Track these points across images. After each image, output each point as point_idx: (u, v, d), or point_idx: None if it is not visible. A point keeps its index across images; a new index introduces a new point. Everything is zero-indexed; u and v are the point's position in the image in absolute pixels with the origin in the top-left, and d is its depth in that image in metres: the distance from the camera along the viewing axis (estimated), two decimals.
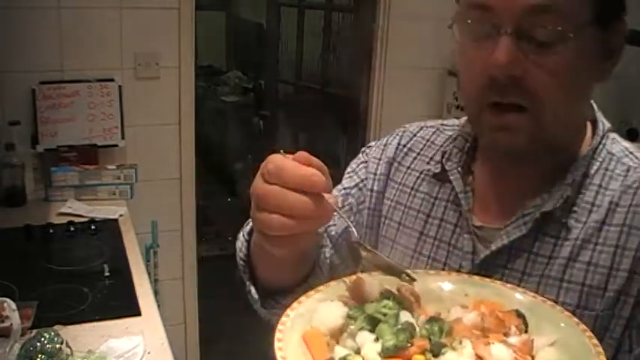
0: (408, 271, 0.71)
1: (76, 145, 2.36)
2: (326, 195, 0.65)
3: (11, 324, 1.35)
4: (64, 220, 2.13)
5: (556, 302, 0.72)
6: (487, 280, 0.73)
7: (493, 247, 0.80)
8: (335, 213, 0.68)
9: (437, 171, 0.90)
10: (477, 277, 0.74)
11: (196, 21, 2.54)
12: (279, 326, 0.64)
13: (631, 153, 0.82)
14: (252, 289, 0.87)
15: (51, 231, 2.05)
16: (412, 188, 0.92)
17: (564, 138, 0.79)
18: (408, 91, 2.92)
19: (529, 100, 0.72)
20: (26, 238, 2.01)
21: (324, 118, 3.56)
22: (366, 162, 0.99)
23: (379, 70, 2.88)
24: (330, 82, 3.42)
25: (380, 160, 0.97)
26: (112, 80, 2.41)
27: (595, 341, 0.61)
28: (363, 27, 2.91)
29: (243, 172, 5.16)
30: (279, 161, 0.65)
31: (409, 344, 0.61)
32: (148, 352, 1.43)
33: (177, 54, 2.51)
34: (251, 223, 0.91)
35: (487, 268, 0.80)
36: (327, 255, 0.92)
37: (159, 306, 1.69)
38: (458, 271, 0.82)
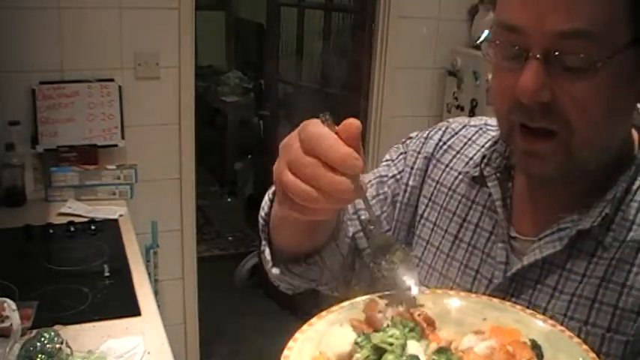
0: (416, 293, 0.70)
1: (76, 145, 2.36)
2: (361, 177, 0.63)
3: (11, 324, 1.35)
4: (64, 220, 2.13)
5: (586, 323, 0.72)
6: (507, 304, 0.72)
7: (525, 262, 0.78)
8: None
9: (475, 174, 0.87)
10: (496, 300, 0.73)
11: (196, 21, 2.54)
12: (286, 352, 0.63)
13: None
14: (267, 250, 0.86)
15: (51, 231, 2.05)
16: (449, 188, 0.90)
17: (600, 160, 0.74)
18: (408, 91, 2.92)
19: (558, 125, 0.69)
20: (26, 238, 2.01)
21: None
22: (405, 153, 0.96)
23: (379, 70, 2.88)
24: (330, 82, 3.41)
25: (419, 153, 0.94)
26: (112, 80, 2.41)
27: None
28: (363, 27, 2.91)
29: (243, 172, 5.16)
30: (320, 131, 0.62)
31: None
32: (148, 352, 1.43)
33: (177, 54, 2.51)
34: None
35: (519, 280, 0.78)
36: (350, 233, 0.89)
37: (159, 306, 1.69)
38: (490, 281, 0.81)
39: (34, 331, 1.35)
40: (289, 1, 3.50)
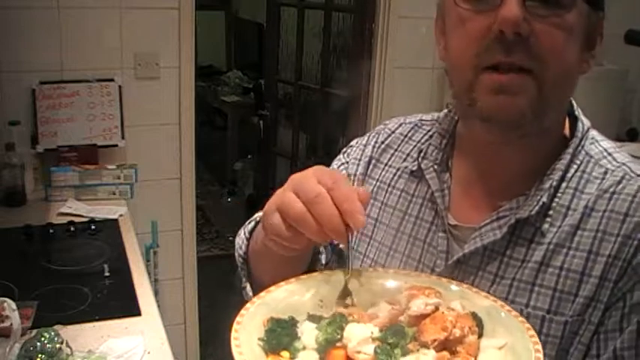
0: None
1: (76, 145, 2.36)
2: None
3: (11, 324, 1.35)
4: (64, 220, 2.13)
5: (527, 306, 0.75)
6: (453, 282, 0.74)
7: (466, 249, 0.80)
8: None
9: (414, 169, 0.90)
10: (444, 280, 0.75)
11: (196, 21, 2.54)
12: (242, 311, 0.68)
13: (609, 154, 0.81)
14: (248, 287, 0.89)
15: (51, 231, 2.05)
16: (389, 185, 0.92)
17: (554, 117, 0.77)
18: (408, 91, 2.92)
19: (533, 61, 0.71)
20: (26, 238, 2.01)
21: (324, 118, 3.56)
22: (347, 163, 0.99)
23: (379, 70, 2.88)
24: (330, 82, 3.41)
25: (360, 160, 0.97)
26: (112, 80, 2.41)
27: (538, 347, 0.62)
28: (363, 27, 2.91)
29: (243, 172, 5.17)
30: (344, 180, 0.68)
31: (338, 335, 0.64)
32: (148, 352, 1.43)
33: (178, 54, 2.51)
34: (253, 222, 0.93)
35: (461, 268, 0.81)
36: (324, 262, 0.92)
37: (159, 306, 1.69)
38: (432, 270, 0.83)
39: (34, 331, 1.35)
40: (289, 1, 3.50)
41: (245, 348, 0.63)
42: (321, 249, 0.91)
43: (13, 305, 1.39)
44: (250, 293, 0.88)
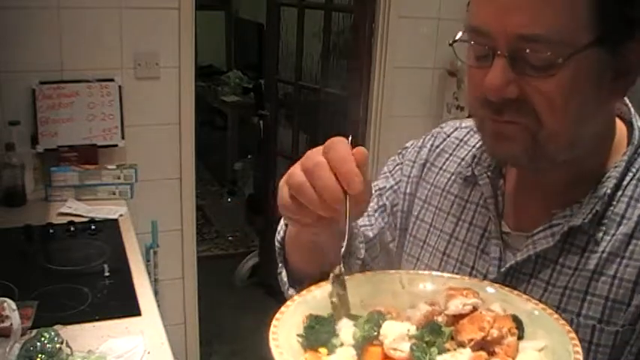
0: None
1: (76, 145, 2.36)
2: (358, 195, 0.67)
3: (11, 324, 1.35)
4: (64, 220, 2.13)
5: (578, 315, 0.75)
6: (496, 285, 0.74)
7: (519, 257, 0.80)
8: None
9: (468, 174, 0.90)
10: (486, 282, 0.75)
11: (196, 21, 2.54)
12: (282, 308, 0.68)
13: None
14: (284, 272, 0.89)
15: (51, 231, 2.05)
16: (443, 190, 0.93)
17: (574, 153, 0.76)
18: (407, 91, 2.92)
19: (526, 118, 0.71)
20: (26, 238, 2.01)
21: (324, 118, 3.56)
22: (402, 164, 0.99)
23: (379, 70, 2.88)
24: (330, 82, 3.41)
25: (414, 162, 0.98)
26: (112, 80, 2.41)
27: (578, 349, 0.61)
28: (363, 27, 2.91)
29: (243, 172, 5.16)
30: (342, 145, 0.68)
31: (375, 332, 0.64)
32: (148, 352, 1.43)
33: (177, 54, 2.51)
34: None
35: (513, 275, 0.81)
36: (362, 255, 0.91)
37: (159, 306, 1.69)
38: (485, 276, 0.83)
39: (34, 331, 1.35)
40: (289, 1, 3.50)
41: (283, 344, 0.63)
42: (357, 243, 0.91)
43: (13, 305, 1.39)
44: (285, 279, 0.88)
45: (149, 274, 2.11)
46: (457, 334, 0.65)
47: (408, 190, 0.97)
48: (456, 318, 0.67)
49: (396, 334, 0.64)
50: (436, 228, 0.92)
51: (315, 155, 0.68)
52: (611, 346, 0.74)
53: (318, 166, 0.67)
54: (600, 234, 0.76)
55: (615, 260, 0.75)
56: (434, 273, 0.79)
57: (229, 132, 5.33)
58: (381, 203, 0.98)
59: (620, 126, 0.82)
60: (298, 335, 0.66)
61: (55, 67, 2.34)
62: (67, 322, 1.48)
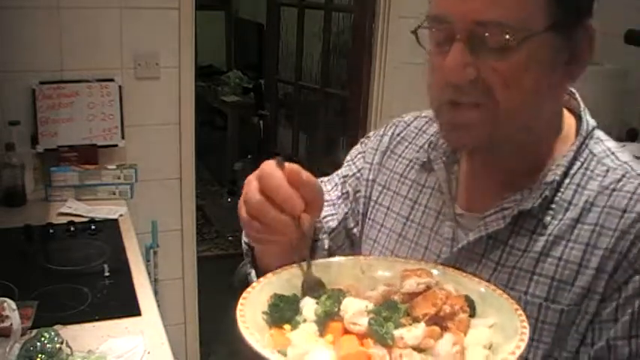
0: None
1: (76, 145, 2.36)
2: (303, 216, 0.73)
3: (11, 324, 1.35)
4: (64, 220, 2.13)
5: (526, 293, 0.79)
6: (449, 268, 0.78)
7: (471, 237, 0.84)
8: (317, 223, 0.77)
9: (424, 160, 0.95)
10: (441, 266, 0.79)
11: (196, 21, 2.54)
12: (249, 289, 0.72)
13: (612, 154, 0.84)
14: (253, 272, 0.92)
15: (51, 231, 2.05)
16: (401, 175, 0.98)
17: (525, 137, 0.80)
18: (408, 90, 2.91)
19: (484, 98, 0.75)
20: (26, 238, 2.01)
21: (324, 118, 3.56)
22: (364, 152, 1.04)
23: (379, 69, 2.88)
24: (330, 82, 3.42)
25: (376, 150, 1.02)
26: (112, 80, 2.41)
27: (525, 324, 0.66)
28: (363, 27, 2.91)
29: (243, 172, 5.16)
30: (271, 172, 0.73)
31: (336, 308, 0.69)
32: (148, 352, 1.43)
33: (178, 54, 2.51)
34: None
35: (465, 255, 0.85)
36: (326, 247, 0.95)
37: (159, 306, 1.69)
38: (438, 256, 0.88)
39: (34, 331, 1.35)
40: (289, 1, 3.50)
41: (250, 321, 0.67)
42: (321, 235, 0.95)
43: (13, 305, 1.39)
44: (255, 279, 0.90)
45: (149, 274, 2.10)
46: (412, 310, 0.70)
47: (370, 177, 1.01)
48: (411, 296, 0.72)
49: (355, 309, 0.68)
50: (393, 211, 0.96)
51: (252, 192, 0.73)
52: (557, 324, 0.78)
53: (258, 204, 0.72)
54: (548, 218, 0.80)
55: (561, 243, 0.79)
56: (390, 258, 0.85)
57: (229, 132, 5.33)
58: (344, 191, 1.02)
59: (570, 119, 0.87)
60: (263, 313, 0.70)
61: (55, 67, 2.34)
62: (67, 322, 1.48)
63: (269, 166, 0.74)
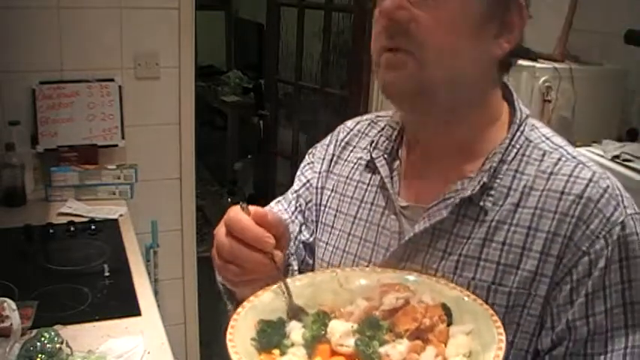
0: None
1: (76, 145, 2.36)
2: (275, 252, 0.75)
3: (11, 324, 1.35)
4: (64, 220, 2.13)
5: (473, 279, 0.82)
6: (424, 276, 0.81)
7: (416, 229, 0.86)
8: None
9: (367, 159, 0.98)
10: (415, 274, 0.81)
11: (196, 21, 2.54)
12: (234, 315, 0.74)
13: (548, 139, 0.87)
14: (230, 306, 0.94)
15: (51, 231, 2.05)
16: (347, 177, 1.00)
17: (456, 94, 0.82)
18: None
19: (413, 44, 0.79)
20: (26, 238, 2.01)
21: (324, 118, 3.56)
22: (312, 163, 1.07)
23: None
24: (330, 82, 3.41)
25: (323, 159, 1.05)
26: (112, 80, 2.41)
27: (501, 330, 0.68)
28: (363, 27, 2.91)
29: (243, 172, 5.16)
30: (237, 216, 0.75)
31: (323, 332, 0.72)
32: (148, 352, 1.43)
33: (177, 54, 2.51)
34: None
35: (412, 247, 0.87)
36: (296, 267, 0.98)
37: (159, 306, 1.69)
38: (387, 249, 0.90)
39: (34, 331, 1.35)
40: (289, 1, 3.50)
41: (240, 348, 0.69)
42: (290, 260, 0.97)
43: (13, 305, 1.39)
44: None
45: (149, 274, 2.10)
46: (394, 327, 0.72)
47: (319, 185, 1.04)
48: (392, 312, 0.74)
49: (341, 331, 0.71)
50: (342, 212, 0.99)
51: (223, 238, 0.76)
52: (505, 306, 0.80)
53: (231, 248, 0.75)
54: (489, 204, 0.83)
55: (504, 227, 0.82)
56: (366, 269, 0.86)
57: (229, 132, 5.33)
58: (297, 204, 1.05)
59: (505, 108, 0.90)
60: (252, 339, 0.72)
61: (55, 67, 2.34)
62: (67, 322, 1.48)
63: (235, 211, 0.76)
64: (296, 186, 1.07)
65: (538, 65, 2.27)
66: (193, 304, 2.81)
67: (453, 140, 0.88)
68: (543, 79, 2.28)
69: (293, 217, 1.04)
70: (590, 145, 2.13)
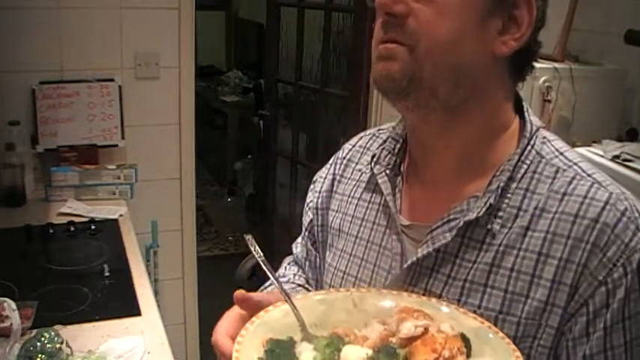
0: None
1: (76, 145, 2.36)
2: None
3: (11, 324, 1.35)
4: (64, 220, 2.13)
5: (479, 307, 0.77)
6: (443, 303, 0.76)
7: (419, 254, 0.81)
8: None
9: (369, 174, 0.93)
10: (434, 300, 0.77)
11: (196, 21, 2.54)
12: (242, 331, 0.71)
13: (561, 154, 0.81)
14: None
15: (51, 231, 2.05)
16: (349, 195, 0.96)
17: (456, 94, 0.78)
18: None
19: (408, 38, 0.76)
20: (26, 238, 2.01)
21: (324, 118, 3.56)
22: (315, 182, 1.05)
23: None
24: (330, 82, 3.41)
25: (325, 178, 1.02)
26: (112, 80, 2.41)
27: None
28: (363, 27, 2.90)
29: (243, 172, 5.17)
30: (223, 350, 0.76)
31: (335, 357, 0.68)
32: (148, 352, 1.43)
33: (177, 54, 2.51)
34: None
35: (415, 270, 0.82)
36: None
37: (159, 306, 1.69)
38: (388, 272, 0.85)
39: (34, 331, 1.35)
40: (289, 1, 3.50)
41: None
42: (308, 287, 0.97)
43: (13, 305, 1.39)
44: None
45: (149, 274, 2.10)
46: (411, 357, 0.68)
47: (319, 205, 1.00)
48: (409, 340, 0.70)
49: (355, 358, 0.67)
50: (344, 232, 0.94)
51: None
52: (514, 337, 0.75)
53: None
54: (497, 227, 0.77)
55: (512, 253, 0.76)
56: (383, 290, 0.81)
57: (229, 132, 5.33)
58: (308, 233, 1.04)
59: (516, 119, 0.84)
60: (259, 359, 0.69)
61: (55, 67, 2.34)
62: (67, 322, 1.48)
63: (219, 334, 0.78)
64: (305, 220, 1.05)
65: (538, 65, 2.25)
66: (193, 304, 2.81)
67: (456, 144, 0.81)
68: (543, 79, 2.28)
69: (305, 249, 1.05)
70: (590, 145, 2.13)
